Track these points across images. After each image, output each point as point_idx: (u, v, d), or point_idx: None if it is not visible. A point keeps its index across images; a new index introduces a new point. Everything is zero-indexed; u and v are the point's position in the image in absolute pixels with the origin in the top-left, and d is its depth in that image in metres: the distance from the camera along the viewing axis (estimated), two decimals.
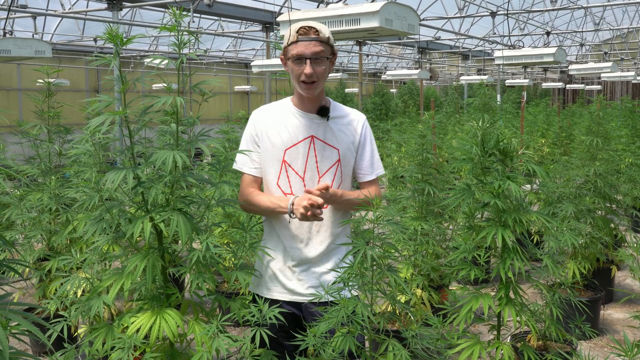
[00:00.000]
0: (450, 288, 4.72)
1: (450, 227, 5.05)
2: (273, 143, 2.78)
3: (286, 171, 2.78)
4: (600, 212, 5.48)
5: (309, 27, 2.63)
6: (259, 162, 2.85)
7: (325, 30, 2.66)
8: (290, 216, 2.64)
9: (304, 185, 2.76)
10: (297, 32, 2.63)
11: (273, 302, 2.73)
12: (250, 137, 2.85)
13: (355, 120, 2.86)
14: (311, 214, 2.50)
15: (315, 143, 2.77)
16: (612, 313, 5.70)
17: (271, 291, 2.84)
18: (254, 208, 2.85)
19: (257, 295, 2.89)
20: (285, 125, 2.78)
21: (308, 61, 2.61)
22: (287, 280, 2.80)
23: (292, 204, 2.61)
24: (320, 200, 2.50)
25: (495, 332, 3.27)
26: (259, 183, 2.88)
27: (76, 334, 4.11)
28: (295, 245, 2.79)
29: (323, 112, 2.77)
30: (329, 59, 2.70)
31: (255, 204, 2.80)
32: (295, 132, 2.77)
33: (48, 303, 3.24)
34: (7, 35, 8.16)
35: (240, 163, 2.89)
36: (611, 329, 5.32)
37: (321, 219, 2.56)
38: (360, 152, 2.86)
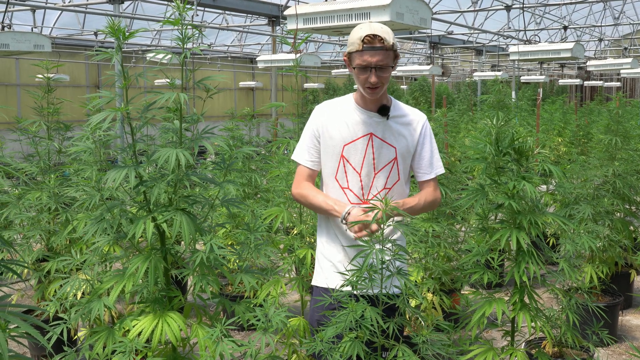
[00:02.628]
0: (462, 292, 4.71)
1: (463, 229, 5.05)
2: (333, 137, 2.90)
3: (344, 166, 2.90)
4: (619, 214, 5.46)
5: (373, 35, 2.69)
6: (317, 156, 2.97)
7: (390, 37, 2.73)
8: (342, 222, 2.76)
9: (360, 181, 2.89)
10: (362, 40, 2.71)
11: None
12: (311, 131, 2.97)
13: (415, 120, 2.95)
14: (363, 233, 2.64)
15: (373, 140, 2.89)
16: (631, 319, 5.67)
17: (328, 280, 2.95)
18: (306, 203, 2.98)
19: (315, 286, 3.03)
20: (345, 122, 2.90)
21: (373, 70, 2.72)
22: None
23: (348, 213, 2.73)
24: (373, 228, 2.61)
25: (509, 338, 3.27)
26: (314, 177, 3.01)
27: (76, 337, 4.12)
28: (345, 241, 2.91)
29: (383, 111, 2.87)
30: (391, 67, 2.79)
31: (310, 200, 2.92)
32: (355, 129, 2.88)
33: (47, 305, 3.25)
34: (6, 29, 8.18)
35: (299, 154, 3.01)
36: (630, 335, 5.30)
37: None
38: (420, 151, 2.96)
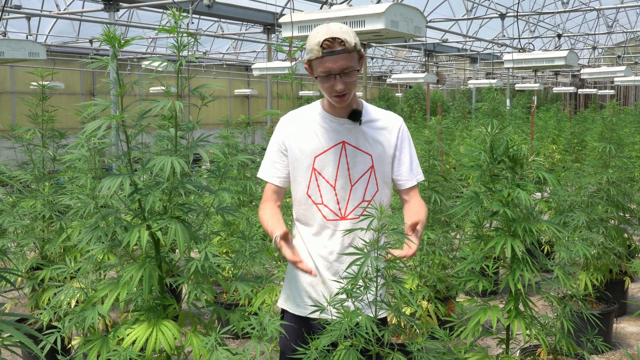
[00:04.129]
0: (457, 300, 4.72)
1: (458, 236, 5.05)
2: (302, 150, 2.70)
3: (316, 180, 2.70)
4: (613, 221, 5.47)
5: (332, 38, 2.45)
6: (284, 171, 2.76)
7: (351, 38, 2.50)
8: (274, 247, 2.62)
9: (336, 195, 2.69)
10: (321, 46, 2.47)
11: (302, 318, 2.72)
12: (277, 145, 2.77)
13: (390, 124, 2.76)
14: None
15: (346, 149, 2.68)
16: (626, 326, 5.68)
17: (300, 307, 2.76)
18: (260, 219, 2.78)
19: (285, 310, 2.82)
20: (314, 131, 2.71)
21: (338, 77, 2.51)
22: (317, 296, 2.72)
23: (274, 241, 2.53)
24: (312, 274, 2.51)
25: (503, 346, 3.27)
26: (282, 193, 2.81)
27: (70, 345, 4.10)
28: (327, 259, 2.73)
29: (355, 116, 2.67)
30: (357, 70, 2.57)
31: (260, 221, 2.73)
32: (326, 138, 2.69)
33: (41, 313, 3.24)
34: (0, 36, 8.19)
35: (263, 171, 2.81)
36: (624, 343, 5.30)
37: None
38: (399, 157, 2.76)
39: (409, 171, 2.77)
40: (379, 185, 2.73)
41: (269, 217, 2.67)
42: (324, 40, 2.46)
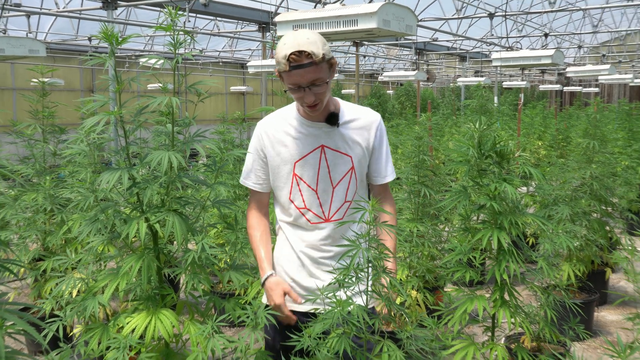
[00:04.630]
0: (445, 290, 4.74)
1: (446, 229, 5.08)
2: (282, 157, 2.65)
3: (298, 185, 2.64)
4: (595, 214, 5.51)
5: (299, 52, 2.35)
6: (264, 177, 2.73)
7: (319, 49, 2.38)
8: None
9: (318, 198, 2.64)
10: (288, 59, 2.37)
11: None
12: (255, 152, 2.72)
13: (368, 123, 2.68)
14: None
15: (326, 152, 2.62)
16: (606, 315, 5.73)
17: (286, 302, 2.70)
18: (249, 237, 2.80)
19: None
20: (293, 137, 2.64)
21: (307, 89, 2.43)
22: (301, 291, 2.72)
23: (264, 283, 2.64)
24: (291, 321, 2.57)
25: (489, 334, 3.29)
26: (265, 198, 2.80)
27: (71, 333, 4.12)
28: (311, 256, 2.70)
29: (332, 119, 2.60)
30: (328, 80, 2.49)
31: (250, 238, 2.77)
32: (304, 144, 2.62)
33: (43, 303, 3.25)
34: (1, 34, 8.15)
35: (244, 178, 2.78)
36: (605, 330, 5.35)
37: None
38: (377, 155, 2.72)
39: (384, 169, 2.74)
40: (358, 185, 2.69)
41: (259, 240, 2.73)
42: (291, 54, 2.36)
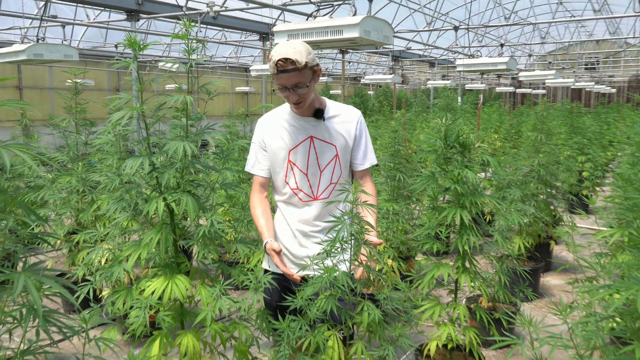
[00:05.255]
0: (416, 259, 4.77)
1: (417, 208, 5.09)
2: (278, 146, 2.70)
3: (292, 169, 2.69)
4: (542, 196, 5.53)
5: (285, 59, 2.40)
6: (266, 164, 2.76)
7: (302, 57, 2.42)
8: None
9: (308, 180, 2.69)
10: (276, 64, 2.44)
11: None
12: (257, 144, 2.76)
13: (350, 118, 2.73)
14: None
15: (314, 142, 2.67)
16: (550, 280, 5.77)
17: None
18: (251, 214, 2.79)
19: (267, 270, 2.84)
20: (287, 130, 2.69)
21: (292, 90, 2.49)
22: (294, 259, 2.75)
23: (265, 247, 2.59)
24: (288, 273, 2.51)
25: (453, 295, 3.31)
26: (267, 182, 2.80)
27: (100, 295, 4.11)
28: (302, 229, 2.73)
29: (318, 114, 2.66)
30: (310, 82, 2.52)
31: (252, 216, 2.75)
32: (296, 135, 2.68)
33: (76, 270, 3.24)
34: (40, 41, 8.04)
35: (250, 166, 2.81)
36: (549, 293, 5.40)
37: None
38: (357, 145, 2.74)
39: (363, 157, 2.76)
40: (342, 169, 2.72)
41: (261, 215, 2.70)
42: (278, 60, 2.42)
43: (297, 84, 2.47)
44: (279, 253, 2.53)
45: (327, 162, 2.70)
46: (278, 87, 2.53)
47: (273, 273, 2.69)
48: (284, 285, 2.74)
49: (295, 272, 2.58)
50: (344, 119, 2.72)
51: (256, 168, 2.78)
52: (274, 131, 2.72)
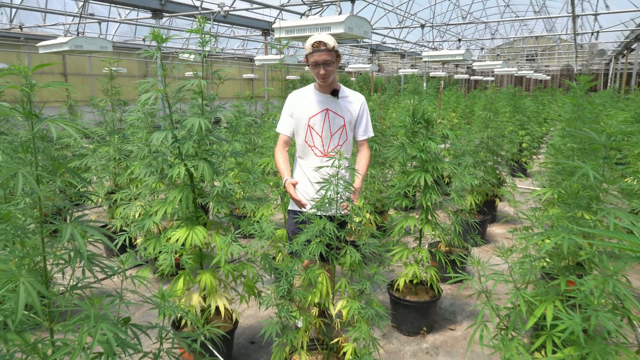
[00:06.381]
0: (389, 213, 4.79)
1: (390, 172, 5.09)
2: (302, 113, 2.84)
3: (310, 132, 2.84)
4: (490, 162, 5.55)
5: (319, 41, 2.64)
6: (292, 128, 2.90)
7: (331, 42, 2.66)
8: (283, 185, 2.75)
9: (322, 141, 2.84)
10: (312, 45, 2.66)
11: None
12: (288, 111, 2.89)
13: (356, 100, 2.90)
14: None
15: (328, 114, 2.83)
16: (495, 229, 5.84)
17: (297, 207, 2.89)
18: (275, 161, 2.92)
19: (290, 210, 3.01)
20: (309, 102, 2.84)
21: (321, 65, 2.68)
22: (309, 198, 2.86)
23: (285, 183, 2.71)
24: (303, 202, 2.66)
25: (418, 242, 3.34)
26: (289, 141, 2.94)
27: (135, 242, 4.11)
28: (314, 176, 2.87)
29: (335, 93, 2.84)
30: (334, 62, 2.73)
31: (275, 161, 2.89)
32: (316, 106, 2.83)
33: (115, 222, 3.23)
34: (80, 35, 7.84)
35: (281, 127, 2.93)
36: (494, 240, 5.46)
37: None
38: (359, 121, 2.90)
39: (364, 131, 2.94)
40: (348, 136, 2.90)
41: (282, 162, 2.86)
42: (314, 42, 2.65)
43: (326, 61, 2.67)
44: (294, 185, 2.72)
45: (337, 129, 2.86)
46: (311, 63, 2.70)
47: (294, 212, 2.93)
48: (302, 221, 2.79)
49: (307, 207, 2.73)
50: (352, 100, 2.89)
51: (285, 128, 2.93)
52: (300, 103, 2.88)
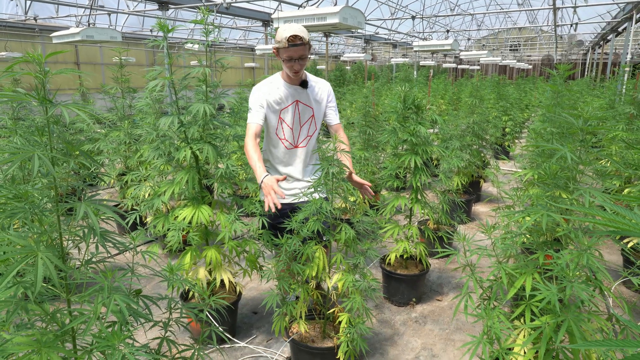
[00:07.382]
0: (381, 193, 4.80)
1: (382, 155, 5.08)
2: (274, 105, 2.61)
3: (281, 124, 2.63)
4: (475, 146, 5.54)
5: (295, 36, 2.37)
6: (263, 118, 2.59)
7: (306, 35, 2.42)
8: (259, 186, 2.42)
9: (292, 132, 2.64)
10: (287, 40, 2.39)
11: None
12: (259, 102, 2.59)
13: (323, 87, 2.71)
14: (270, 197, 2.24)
15: (298, 105, 2.64)
16: (480, 208, 5.86)
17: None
18: (246, 155, 2.60)
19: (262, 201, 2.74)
20: (280, 94, 2.61)
21: (296, 61, 2.45)
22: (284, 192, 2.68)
23: (261, 183, 2.34)
24: (281, 195, 2.21)
25: (408, 220, 3.36)
26: (260, 130, 2.66)
27: (145, 220, 4.11)
28: (284, 170, 2.70)
29: (304, 84, 2.62)
30: (308, 56, 2.51)
31: (247, 156, 2.53)
32: (287, 98, 2.61)
33: (126, 201, 3.22)
34: (91, 26, 7.72)
35: (252, 118, 2.65)
36: (478, 218, 5.48)
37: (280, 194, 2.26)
38: (329, 107, 2.71)
39: (335, 115, 2.75)
40: (317, 126, 2.71)
41: (258, 158, 2.45)
42: (290, 37, 2.37)
43: (302, 56, 2.43)
44: (278, 182, 2.40)
45: (306, 120, 2.67)
46: (285, 58, 2.43)
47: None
48: (282, 212, 2.74)
49: (289, 201, 2.59)
50: (319, 89, 2.69)
51: (257, 118, 2.64)
52: (271, 94, 2.63)
